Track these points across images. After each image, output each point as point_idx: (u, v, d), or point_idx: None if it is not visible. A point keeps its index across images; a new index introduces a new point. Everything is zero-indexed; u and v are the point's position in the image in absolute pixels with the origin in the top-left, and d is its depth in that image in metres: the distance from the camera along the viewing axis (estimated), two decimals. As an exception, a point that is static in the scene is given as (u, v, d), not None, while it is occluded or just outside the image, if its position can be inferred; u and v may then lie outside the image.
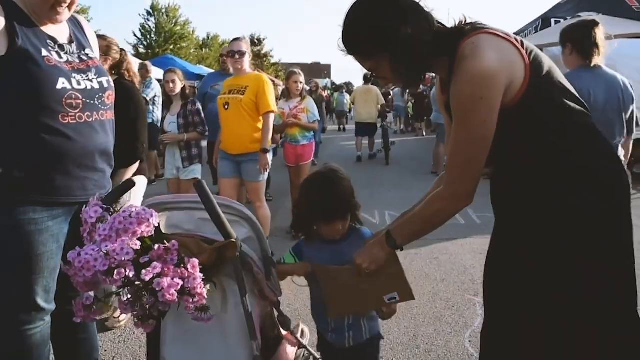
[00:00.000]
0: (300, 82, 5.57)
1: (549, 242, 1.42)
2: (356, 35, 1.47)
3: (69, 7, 1.82)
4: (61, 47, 1.84)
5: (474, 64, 1.30)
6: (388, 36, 1.39)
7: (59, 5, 1.77)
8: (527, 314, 1.48)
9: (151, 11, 34.22)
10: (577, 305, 1.40)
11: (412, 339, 2.87)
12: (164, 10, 34.26)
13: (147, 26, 34.15)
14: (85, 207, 1.43)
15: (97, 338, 2.26)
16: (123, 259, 1.26)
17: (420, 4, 1.43)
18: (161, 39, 33.76)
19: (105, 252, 1.27)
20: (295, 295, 3.52)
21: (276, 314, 1.82)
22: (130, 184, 1.56)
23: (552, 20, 8.69)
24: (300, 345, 2.02)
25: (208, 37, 39.94)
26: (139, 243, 1.31)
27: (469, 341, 2.84)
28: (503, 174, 1.55)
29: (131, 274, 1.27)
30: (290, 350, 1.97)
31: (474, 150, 1.38)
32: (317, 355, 2.02)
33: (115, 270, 1.26)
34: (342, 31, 1.49)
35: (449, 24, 1.46)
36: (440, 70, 1.52)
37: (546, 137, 1.39)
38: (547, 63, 1.41)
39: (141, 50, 32.92)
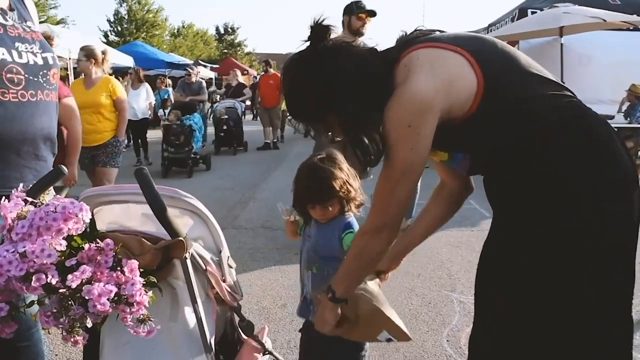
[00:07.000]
0: None
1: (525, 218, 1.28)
2: (299, 106, 1.39)
3: None
4: (2, 11, 1.62)
5: (404, 89, 1.22)
6: (328, 96, 1.29)
7: None
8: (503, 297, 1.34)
9: (124, -3, 33.26)
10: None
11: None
12: (136, -3, 33.34)
13: (120, 13, 33.22)
14: (6, 200, 1.21)
15: (43, 343, 2.04)
16: (44, 261, 1.05)
17: (353, 48, 1.32)
18: (132, 26, 32.87)
19: (21, 253, 1.06)
20: (263, 292, 3.34)
21: (237, 319, 1.63)
22: (59, 173, 1.34)
23: (529, 11, 8.63)
24: (265, 351, 1.84)
25: (183, 26, 39.12)
26: (64, 243, 1.10)
27: (447, 340, 2.70)
28: (486, 176, 1.41)
29: (54, 280, 1.06)
30: (253, 357, 1.78)
31: (400, 179, 1.26)
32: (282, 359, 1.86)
33: (34, 276, 1.05)
34: (286, 102, 1.42)
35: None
36: None
37: (518, 131, 1.26)
38: (500, 55, 1.29)
39: (112, 38, 32.00)
